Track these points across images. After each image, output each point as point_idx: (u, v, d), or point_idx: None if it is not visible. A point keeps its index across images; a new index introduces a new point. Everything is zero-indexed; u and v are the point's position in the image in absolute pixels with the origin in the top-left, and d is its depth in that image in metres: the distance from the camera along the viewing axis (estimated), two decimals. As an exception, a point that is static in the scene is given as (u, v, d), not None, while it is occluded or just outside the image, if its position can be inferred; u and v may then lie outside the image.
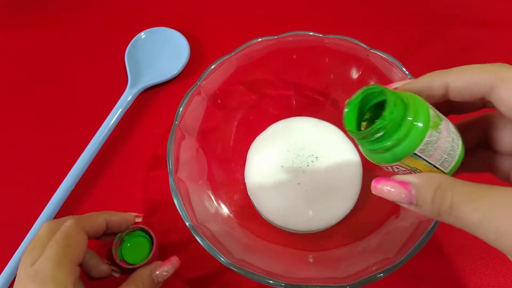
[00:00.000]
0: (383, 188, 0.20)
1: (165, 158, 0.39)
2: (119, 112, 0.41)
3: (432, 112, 0.19)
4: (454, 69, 0.19)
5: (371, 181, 0.36)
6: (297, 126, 0.38)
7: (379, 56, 0.33)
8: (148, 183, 0.39)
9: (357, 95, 0.20)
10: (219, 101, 0.36)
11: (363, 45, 0.33)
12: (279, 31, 0.35)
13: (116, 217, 0.32)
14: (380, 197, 0.35)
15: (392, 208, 0.33)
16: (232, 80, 0.36)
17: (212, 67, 0.34)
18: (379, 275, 0.27)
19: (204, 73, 0.33)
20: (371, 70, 0.34)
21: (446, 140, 0.19)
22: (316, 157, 0.36)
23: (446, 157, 0.19)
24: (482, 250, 0.35)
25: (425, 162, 0.19)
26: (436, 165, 0.19)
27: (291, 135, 0.38)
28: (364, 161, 0.37)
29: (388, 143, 0.19)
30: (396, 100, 0.18)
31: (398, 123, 0.18)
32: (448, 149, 0.19)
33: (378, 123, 0.18)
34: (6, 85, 0.45)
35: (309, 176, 0.36)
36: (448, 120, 0.20)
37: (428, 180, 0.18)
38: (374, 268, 0.28)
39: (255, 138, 0.39)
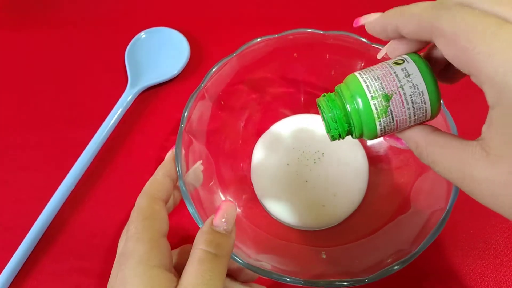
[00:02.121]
0: (389, 142, 0.23)
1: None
2: (119, 112, 0.41)
3: (375, 102, 0.20)
4: (407, 9, 0.19)
5: (377, 175, 0.37)
6: (301, 123, 0.38)
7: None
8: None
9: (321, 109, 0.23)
10: (223, 103, 0.36)
11: (364, 40, 0.33)
12: (279, 29, 0.35)
13: (171, 166, 0.29)
14: (388, 191, 0.36)
15: (402, 200, 0.33)
16: (234, 81, 0.36)
17: (214, 69, 0.34)
18: (395, 267, 0.27)
19: (206, 75, 0.33)
20: (372, 65, 0.34)
21: (403, 111, 0.20)
22: (323, 153, 0.37)
23: (415, 117, 0.20)
24: (482, 250, 0.35)
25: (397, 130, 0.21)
26: (410, 125, 0.20)
27: (296, 133, 0.38)
28: (369, 155, 0.37)
29: (355, 138, 0.22)
30: (335, 114, 0.21)
31: (346, 131, 0.21)
32: (412, 112, 0.20)
33: (332, 138, 0.22)
34: (6, 85, 0.45)
35: (316, 173, 0.36)
36: (406, 80, 0.19)
37: (409, 139, 0.21)
38: (389, 260, 0.28)
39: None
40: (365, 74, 0.20)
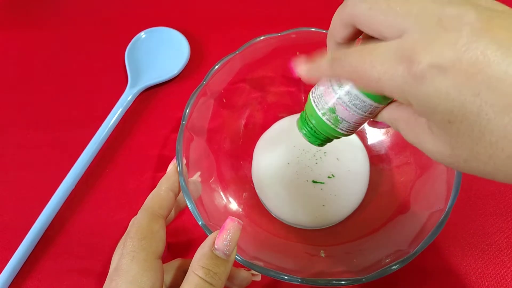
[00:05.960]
0: (373, 126, 0.25)
1: (168, 158, 0.39)
2: (119, 111, 0.41)
3: (326, 117, 0.22)
4: (318, 66, 0.22)
5: (377, 175, 0.37)
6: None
7: None
8: (152, 184, 0.39)
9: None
10: (224, 100, 0.36)
11: None
12: (280, 29, 0.35)
13: (174, 179, 0.29)
14: (388, 191, 0.36)
15: (402, 201, 0.33)
16: (236, 79, 0.36)
17: (216, 67, 0.34)
18: (393, 267, 0.27)
19: (209, 73, 0.33)
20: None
21: (351, 115, 0.21)
22: (324, 153, 0.37)
23: (368, 112, 0.21)
24: (481, 250, 0.35)
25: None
26: (370, 117, 0.22)
27: (297, 132, 0.38)
28: (370, 154, 0.37)
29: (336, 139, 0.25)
30: (306, 130, 0.25)
31: (322, 140, 0.25)
32: (361, 111, 0.21)
33: (318, 145, 0.26)
34: (6, 85, 0.45)
35: (317, 173, 0.36)
36: (340, 90, 0.21)
37: (383, 120, 0.22)
38: (387, 260, 0.28)
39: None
40: (315, 93, 0.23)
